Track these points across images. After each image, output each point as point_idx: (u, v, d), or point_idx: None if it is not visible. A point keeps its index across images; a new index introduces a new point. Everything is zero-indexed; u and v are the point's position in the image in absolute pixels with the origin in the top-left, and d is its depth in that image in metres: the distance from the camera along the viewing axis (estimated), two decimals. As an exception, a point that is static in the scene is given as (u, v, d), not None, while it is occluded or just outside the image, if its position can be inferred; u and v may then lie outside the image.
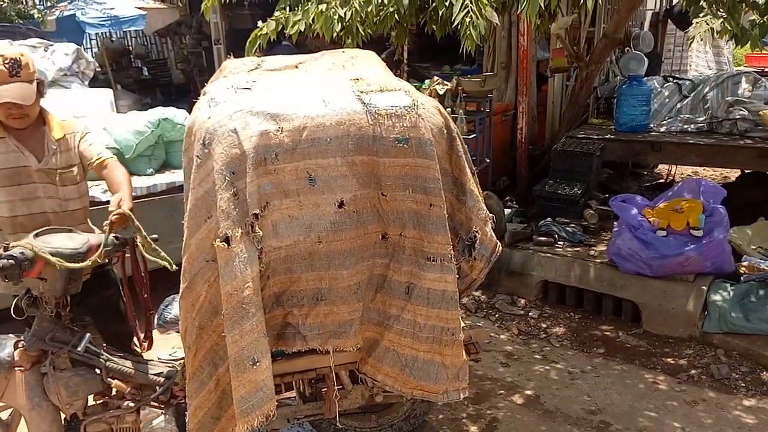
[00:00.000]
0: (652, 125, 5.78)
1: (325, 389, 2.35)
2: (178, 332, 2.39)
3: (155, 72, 10.74)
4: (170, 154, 4.51)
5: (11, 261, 2.02)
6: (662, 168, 7.61)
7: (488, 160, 5.46)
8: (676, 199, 4.06)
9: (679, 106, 5.94)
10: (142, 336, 2.60)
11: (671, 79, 6.35)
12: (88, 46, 10.29)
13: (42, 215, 2.55)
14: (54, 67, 5.09)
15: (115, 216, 2.29)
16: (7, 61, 2.35)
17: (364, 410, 2.71)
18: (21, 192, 2.50)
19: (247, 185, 1.79)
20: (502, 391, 3.37)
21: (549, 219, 4.87)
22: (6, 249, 2.09)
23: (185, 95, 9.25)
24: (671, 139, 5.48)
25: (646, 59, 6.72)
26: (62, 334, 2.28)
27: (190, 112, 4.40)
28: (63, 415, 2.34)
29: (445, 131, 2.08)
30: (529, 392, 3.35)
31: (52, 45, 5.32)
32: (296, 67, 2.29)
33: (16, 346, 2.27)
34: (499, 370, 3.61)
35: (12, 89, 2.36)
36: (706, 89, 5.89)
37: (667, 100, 6.00)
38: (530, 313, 4.32)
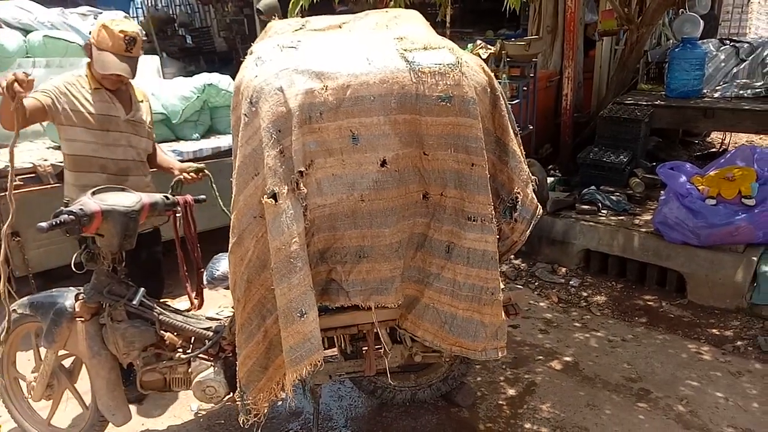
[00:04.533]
0: (705, 90, 5.56)
1: (366, 348, 2.41)
2: (226, 288, 2.49)
3: (199, 40, 10.88)
4: (215, 119, 4.60)
5: (72, 217, 2.12)
6: (714, 136, 7.32)
7: (531, 127, 5.37)
8: (728, 167, 3.93)
9: (735, 70, 5.69)
10: (193, 294, 2.71)
11: (728, 42, 6.05)
12: (135, 14, 10.48)
13: (123, 161, 2.78)
14: (104, 35, 5.19)
15: (192, 172, 2.80)
16: (127, 38, 2.56)
17: (403, 369, 2.77)
18: (108, 138, 2.71)
19: (292, 143, 1.82)
20: (541, 357, 3.38)
21: (593, 187, 4.79)
22: (66, 205, 2.20)
23: (228, 63, 9.35)
24: (725, 105, 5.26)
25: (701, 21, 6.40)
26: (118, 288, 2.39)
27: (233, 79, 4.48)
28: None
29: (489, 90, 2.05)
30: (567, 359, 3.35)
31: (101, 12, 5.42)
32: (340, 27, 2.28)
33: (77, 298, 2.41)
34: (537, 336, 3.62)
35: (122, 64, 2.58)
36: (766, 52, 5.59)
37: (722, 64, 5.75)
38: (571, 282, 4.29)
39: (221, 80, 4.47)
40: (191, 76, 4.76)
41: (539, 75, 5.57)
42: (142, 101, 2.89)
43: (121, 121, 2.74)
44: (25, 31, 4.72)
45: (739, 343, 3.43)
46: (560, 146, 5.75)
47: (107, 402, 2.44)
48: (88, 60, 2.68)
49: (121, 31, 2.54)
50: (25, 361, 2.74)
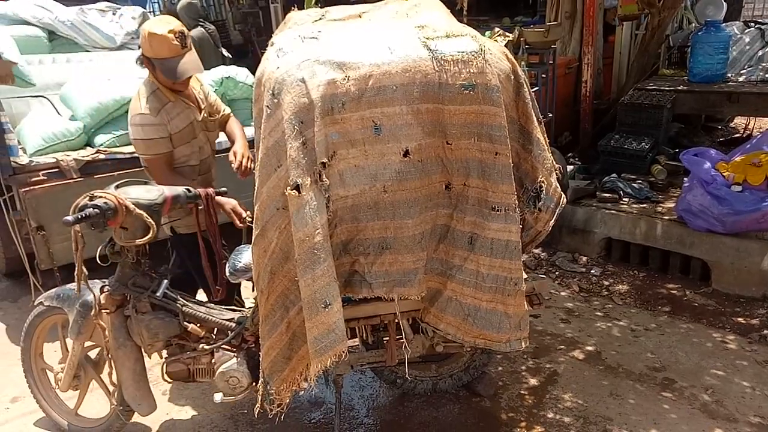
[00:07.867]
0: (729, 75, 5.43)
1: (387, 338, 2.42)
2: (248, 279, 2.50)
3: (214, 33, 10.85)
4: (233, 111, 4.57)
5: (96, 210, 2.14)
6: (739, 121, 7.17)
7: (550, 115, 5.30)
8: (754, 153, 3.84)
9: (761, 53, 5.54)
10: (216, 285, 2.73)
11: (753, 24, 5.90)
12: (151, 9, 10.52)
13: (207, 159, 2.82)
14: (122, 30, 5.21)
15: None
16: (177, 35, 2.45)
17: (425, 359, 2.77)
18: (197, 143, 2.72)
19: (315, 134, 1.81)
20: (563, 347, 3.36)
21: (614, 175, 4.72)
22: (91, 199, 2.22)
23: (244, 55, 9.34)
24: (751, 89, 5.14)
25: (725, 4, 6.26)
26: (143, 280, 2.42)
27: (250, 71, 4.48)
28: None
29: (513, 77, 2.02)
30: (590, 348, 3.33)
31: (119, 8, 5.45)
32: (360, 16, 2.26)
33: (102, 291, 2.44)
34: (559, 326, 3.59)
35: (191, 62, 2.50)
36: (793, 34, 5.45)
37: (747, 47, 5.60)
38: (592, 271, 4.25)
39: (238, 73, 4.47)
40: (208, 69, 4.76)
41: (558, 62, 5.49)
42: (200, 89, 2.79)
43: (197, 122, 2.70)
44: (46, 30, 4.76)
45: (765, 331, 3.37)
46: (580, 134, 5.67)
47: (133, 392, 2.48)
48: (149, 73, 2.58)
49: (170, 32, 2.44)
50: (52, 353, 2.79)
